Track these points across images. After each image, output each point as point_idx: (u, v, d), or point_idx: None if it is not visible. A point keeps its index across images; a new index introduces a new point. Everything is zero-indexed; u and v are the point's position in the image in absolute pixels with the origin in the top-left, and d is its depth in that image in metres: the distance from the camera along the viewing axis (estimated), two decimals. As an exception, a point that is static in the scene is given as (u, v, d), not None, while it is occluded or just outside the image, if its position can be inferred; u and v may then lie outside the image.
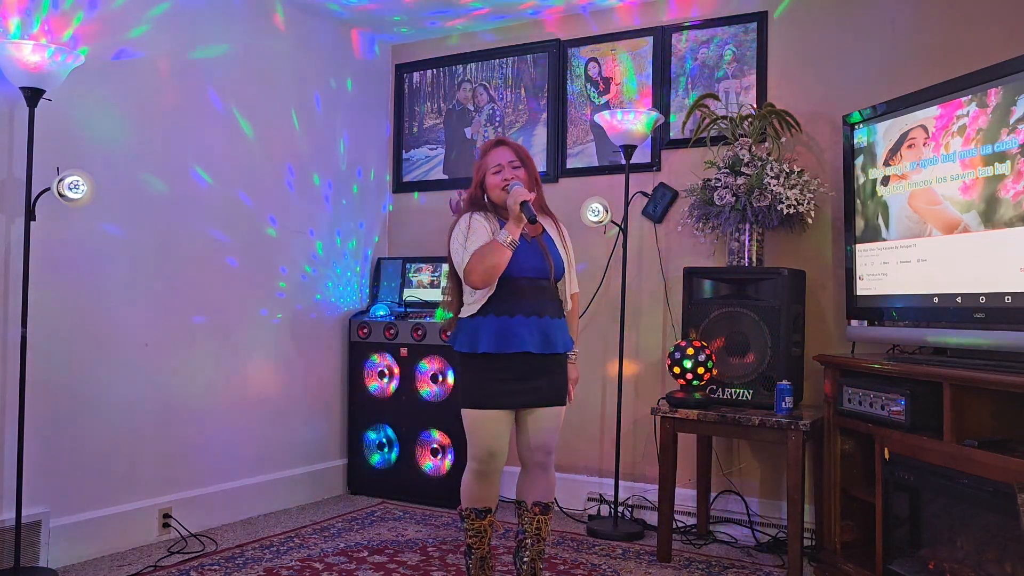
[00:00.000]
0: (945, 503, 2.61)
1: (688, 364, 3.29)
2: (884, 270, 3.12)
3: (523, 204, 2.47)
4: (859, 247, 3.26)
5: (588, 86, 4.19)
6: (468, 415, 2.63)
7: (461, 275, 2.58)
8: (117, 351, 3.31)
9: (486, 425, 2.61)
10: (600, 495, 4.00)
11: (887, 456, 2.75)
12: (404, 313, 4.29)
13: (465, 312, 2.65)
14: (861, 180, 3.26)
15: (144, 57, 3.39)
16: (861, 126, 3.26)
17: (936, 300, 2.87)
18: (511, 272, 2.56)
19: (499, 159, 2.66)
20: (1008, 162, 2.57)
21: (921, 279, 2.94)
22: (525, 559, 2.70)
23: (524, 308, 2.58)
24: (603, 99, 4.15)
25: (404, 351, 4.20)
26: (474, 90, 4.52)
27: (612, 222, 3.86)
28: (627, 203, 3.86)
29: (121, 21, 3.31)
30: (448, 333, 2.77)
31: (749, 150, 3.50)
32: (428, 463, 4.15)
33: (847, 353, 3.33)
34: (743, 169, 3.46)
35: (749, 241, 3.51)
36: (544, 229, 2.73)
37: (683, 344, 3.34)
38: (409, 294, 4.43)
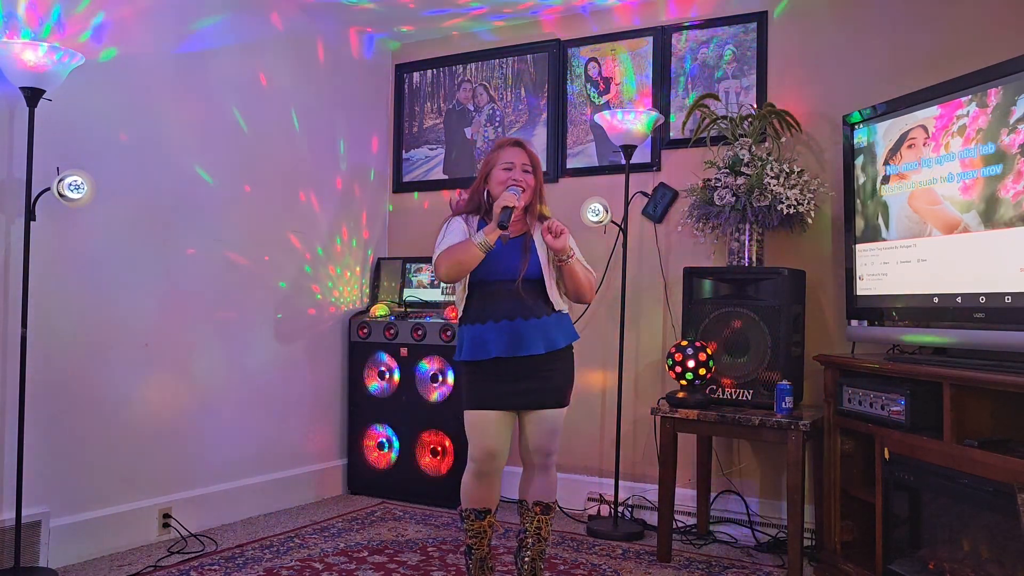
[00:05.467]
0: (945, 503, 2.61)
1: (688, 364, 3.29)
2: (884, 270, 3.12)
3: (503, 209, 2.48)
4: (859, 247, 3.26)
5: (588, 86, 4.19)
6: (467, 416, 2.66)
7: (433, 269, 2.63)
8: (117, 351, 3.31)
9: (483, 426, 2.62)
10: (600, 495, 4.00)
11: (887, 456, 2.75)
12: (404, 313, 4.30)
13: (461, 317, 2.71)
14: (861, 180, 3.26)
15: (143, 57, 3.39)
16: (861, 126, 3.26)
17: (936, 300, 2.87)
18: (483, 276, 2.59)
19: (513, 157, 2.66)
20: (1008, 162, 2.57)
21: (921, 279, 2.94)
22: (525, 559, 2.70)
23: (494, 313, 2.59)
24: (603, 99, 4.15)
25: (404, 351, 4.20)
26: (474, 90, 4.52)
27: (612, 222, 3.85)
28: (627, 203, 3.86)
29: (121, 21, 3.31)
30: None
31: (749, 150, 3.50)
32: (428, 463, 4.15)
33: (847, 353, 3.33)
34: (743, 169, 3.46)
35: (749, 241, 3.51)
36: (530, 232, 2.70)
37: (683, 344, 3.34)
38: (409, 294, 4.43)
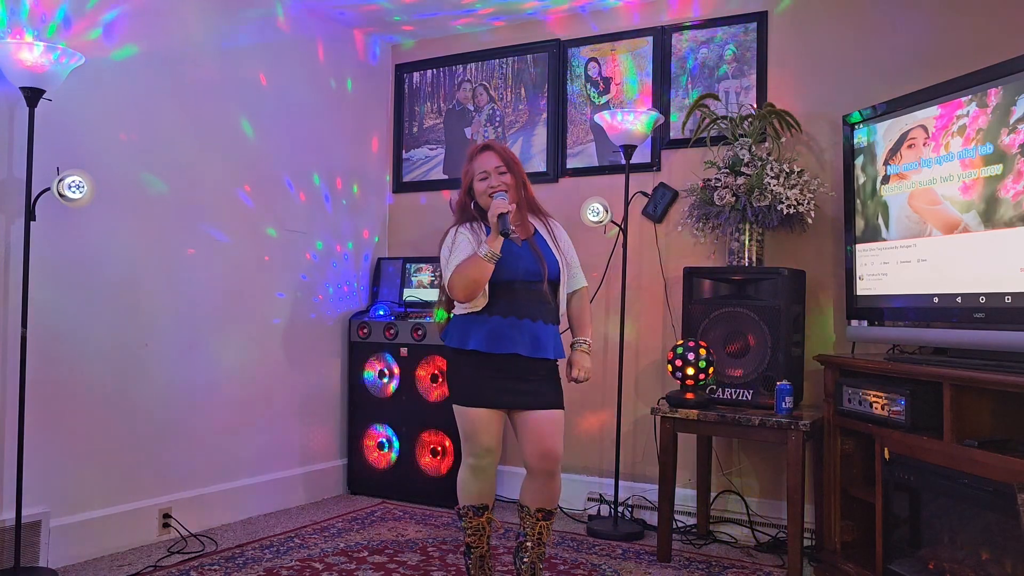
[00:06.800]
0: (945, 503, 2.61)
1: (688, 364, 3.29)
2: (884, 270, 3.12)
3: (500, 217, 2.47)
4: (859, 247, 3.26)
5: (588, 86, 4.19)
6: (460, 412, 2.64)
7: (447, 290, 2.61)
8: (117, 351, 3.31)
9: (478, 421, 2.61)
10: (600, 495, 4.00)
11: (887, 456, 2.75)
12: (404, 313, 4.30)
13: (460, 309, 2.67)
14: (861, 180, 3.26)
15: (144, 57, 3.39)
16: (861, 126, 3.26)
17: (936, 300, 2.87)
18: (506, 275, 2.58)
19: (485, 165, 2.66)
20: (1008, 162, 2.57)
21: (921, 279, 2.94)
22: (525, 561, 2.69)
23: (518, 311, 2.59)
24: (603, 99, 4.15)
25: (404, 351, 4.20)
26: (474, 90, 4.52)
27: (612, 222, 3.85)
28: (627, 203, 3.86)
29: (123, 21, 3.31)
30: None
31: (749, 150, 3.50)
32: (428, 463, 4.15)
33: (847, 353, 3.33)
34: (743, 169, 3.46)
35: (749, 241, 3.51)
36: (536, 230, 2.72)
37: (683, 344, 3.34)
38: (409, 294, 4.43)
